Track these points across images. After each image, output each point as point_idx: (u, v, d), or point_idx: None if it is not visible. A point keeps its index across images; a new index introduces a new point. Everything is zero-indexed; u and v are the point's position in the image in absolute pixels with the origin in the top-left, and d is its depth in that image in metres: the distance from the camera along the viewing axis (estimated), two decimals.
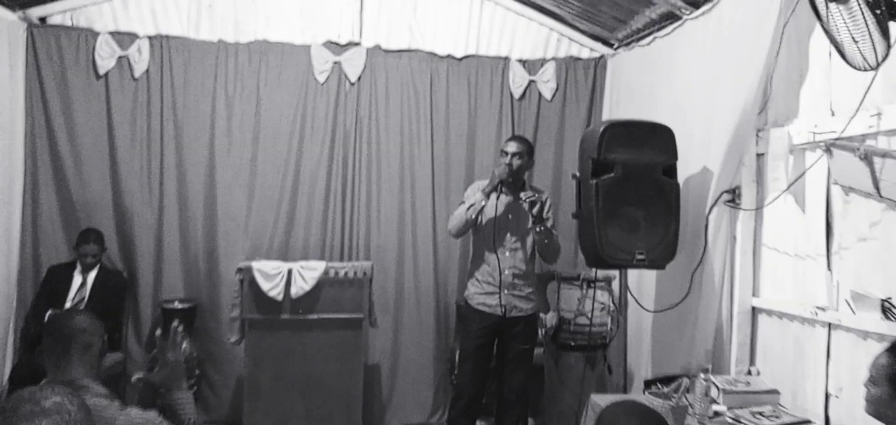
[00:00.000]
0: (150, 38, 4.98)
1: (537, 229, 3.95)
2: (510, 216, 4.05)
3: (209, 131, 5.05)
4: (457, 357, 4.85)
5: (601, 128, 3.50)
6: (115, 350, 4.84)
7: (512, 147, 4.05)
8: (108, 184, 5.00)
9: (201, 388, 4.99)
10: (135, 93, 5.01)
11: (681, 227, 3.67)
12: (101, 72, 4.95)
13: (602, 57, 5.43)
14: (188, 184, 5.04)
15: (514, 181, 4.03)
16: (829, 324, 3.10)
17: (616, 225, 3.53)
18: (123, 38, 4.97)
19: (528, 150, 4.09)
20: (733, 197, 3.67)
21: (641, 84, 4.78)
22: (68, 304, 4.74)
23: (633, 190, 3.54)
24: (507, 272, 4.02)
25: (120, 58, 4.96)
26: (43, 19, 4.94)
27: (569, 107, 5.43)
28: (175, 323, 2.47)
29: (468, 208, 4.04)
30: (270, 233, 5.07)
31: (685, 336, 3.87)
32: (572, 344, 4.55)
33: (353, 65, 5.14)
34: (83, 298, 4.77)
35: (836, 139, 2.92)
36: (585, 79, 5.44)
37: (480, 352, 4.12)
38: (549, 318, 4.62)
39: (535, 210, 3.86)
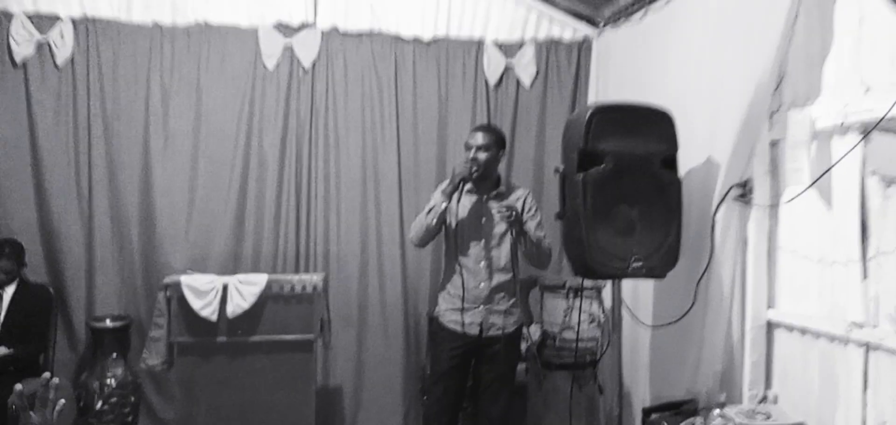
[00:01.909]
0: (73, 20, 4.37)
1: (522, 244, 3.42)
2: (483, 219, 3.50)
3: (143, 127, 4.45)
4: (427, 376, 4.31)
5: (588, 113, 2.94)
6: (38, 375, 4.23)
7: (476, 139, 3.48)
8: (29, 187, 4.39)
9: (139, 419, 4.39)
10: (58, 84, 4.40)
11: (683, 229, 3.11)
12: (18, 59, 4.34)
13: (586, 38, 4.88)
14: (120, 187, 4.44)
15: (482, 178, 3.47)
16: (867, 344, 2.57)
17: (607, 227, 2.97)
18: (43, 21, 4.36)
19: (496, 141, 3.52)
20: (744, 192, 3.13)
21: (632, 66, 4.23)
22: None
23: (627, 185, 2.99)
24: (481, 285, 3.46)
25: (39, 44, 4.35)
26: None
27: (550, 94, 4.88)
28: (46, 376, 1.87)
29: (427, 213, 3.49)
30: (216, 241, 4.48)
31: (690, 354, 3.33)
32: (558, 361, 3.99)
33: (307, 49, 4.56)
34: None
35: (879, 120, 2.37)
36: (568, 63, 4.89)
37: (452, 375, 3.56)
38: (532, 332, 4.06)
39: (514, 225, 3.32)
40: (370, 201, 4.65)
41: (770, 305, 3.13)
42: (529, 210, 3.53)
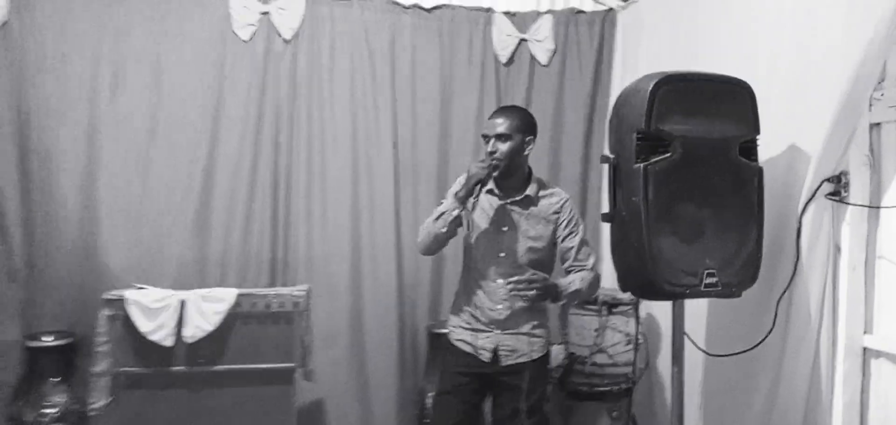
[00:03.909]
0: None
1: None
2: (505, 228, 2.80)
3: (88, 106, 3.72)
4: (427, 401, 3.65)
5: (651, 85, 2.28)
6: None
7: (496, 126, 2.76)
8: None
9: None
10: None
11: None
12: None
13: (610, 9, 4.23)
14: (60, 177, 3.71)
15: (505, 175, 2.78)
16: None
17: (671, 232, 2.32)
18: None
19: (521, 126, 2.78)
20: (837, 187, 2.49)
21: (673, 39, 3.57)
22: None
23: (697, 178, 2.33)
24: (498, 306, 2.79)
25: None
26: None
27: (569, 73, 4.23)
28: None
29: (436, 219, 2.76)
30: (175, 245, 3.77)
31: (760, 390, 2.69)
32: (585, 389, 3.34)
33: (288, 17, 3.88)
34: None
35: None
36: (590, 38, 4.24)
37: (459, 395, 2.83)
38: (555, 354, 3.39)
39: (535, 294, 2.65)
40: (362, 197, 3.97)
41: (867, 330, 2.51)
42: (568, 224, 2.80)
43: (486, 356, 2.80)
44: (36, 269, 3.71)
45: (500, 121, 2.76)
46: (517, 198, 2.79)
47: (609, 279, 3.68)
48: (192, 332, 2.95)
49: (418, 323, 4.07)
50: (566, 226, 2.77)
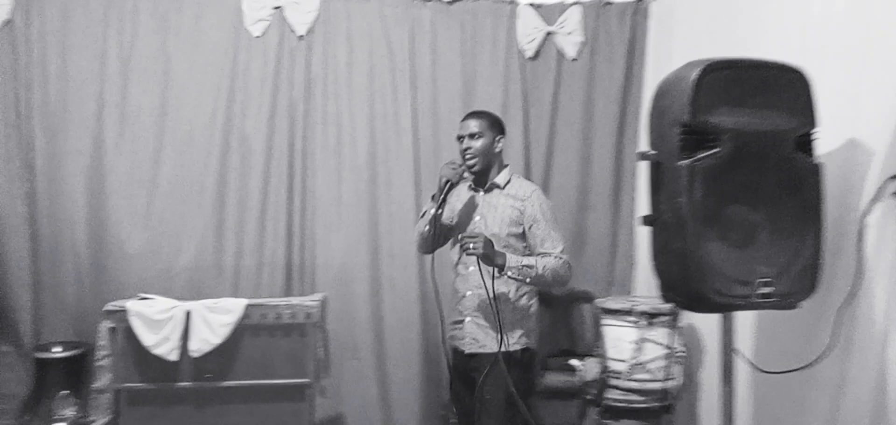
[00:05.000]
0: None
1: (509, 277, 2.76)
2: (477, 217, 2.92)
3: (96, 106, 3.63)
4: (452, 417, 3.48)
5: (696, 72, 2.05)
6: None
7: (469, 126, 2.95)
8: None
9: None
10: None
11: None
12: None
13: (642, 0, 4.00)
14: (67, 181, 3.62)
15: (480, 169, 2.92)
16: None
17: (720, 237, 2.08)
18: None
19: (491, 125, 2.96)
20: None
21: (709, 26, 3.34)
22: None
23: (748, 176, 2.10)
24: (468, 293, 2.87)
25: None
26: None
27: (599, 67, 4.00)
28: None
29: (421, 217, 2.94)
30: (184, 252, 3.64)
31: (818, 411, 2.44)
32: (622, 406, 3.11)
33: (302, 11, 3.73)
34: None
35: None
36: (621, 29, 4.00)
37: (464, 396, 2.92)
38: (589, 369, 3.17)
39: (475, 248, 2.63)
40: (381, 200, 3.81)
41: None
42: (534, 214, 2.82)
43: (462, 345, 2.88)
44: (43, 278, 3.60)
45: (472, 122, 2.94)
46: (487, 187, 2.92)
47: (649, 288, 3.47)
48: (198, 346, 2.77)
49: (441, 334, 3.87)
50: (532, 216, 2.83)
